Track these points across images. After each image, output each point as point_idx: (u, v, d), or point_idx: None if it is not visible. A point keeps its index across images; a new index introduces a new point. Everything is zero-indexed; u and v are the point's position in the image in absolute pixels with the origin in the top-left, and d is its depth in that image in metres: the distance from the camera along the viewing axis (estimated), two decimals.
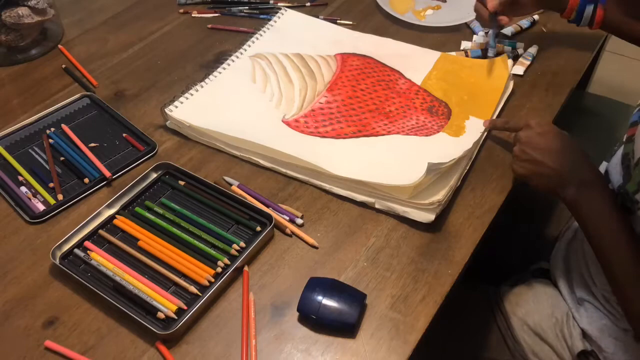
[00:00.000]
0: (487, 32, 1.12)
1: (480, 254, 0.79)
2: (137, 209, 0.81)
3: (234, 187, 0.84)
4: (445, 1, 1.21)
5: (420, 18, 1.16)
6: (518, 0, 0.98)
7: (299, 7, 1.19)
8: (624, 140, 0.78)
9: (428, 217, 0.78)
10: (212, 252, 0.76)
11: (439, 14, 1.18)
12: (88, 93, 0.99)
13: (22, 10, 1.04)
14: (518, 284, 0.95)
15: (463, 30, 1.14)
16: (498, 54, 1.04)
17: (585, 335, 0.85)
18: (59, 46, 1.10)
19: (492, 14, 0.99)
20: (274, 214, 0.79)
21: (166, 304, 0.70)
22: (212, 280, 0.73)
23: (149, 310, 0.70)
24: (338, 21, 1.15)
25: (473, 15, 1.10)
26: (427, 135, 0.90)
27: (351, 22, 1.15)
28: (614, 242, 0.73)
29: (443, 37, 1.11)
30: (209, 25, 1.15)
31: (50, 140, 0.91)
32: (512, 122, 0.86)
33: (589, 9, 0.96)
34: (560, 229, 0.99)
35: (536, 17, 1.16)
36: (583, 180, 0.76)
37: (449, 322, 0.86)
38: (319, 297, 0.69)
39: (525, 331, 0.89)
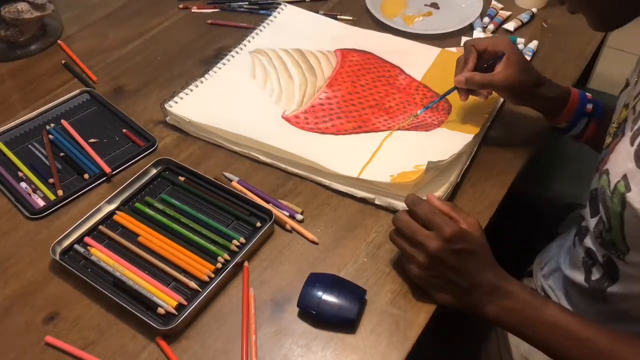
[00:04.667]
0: (486, 27, 1.12)
1: None
2: (137, 204, 0.81)
3: (234, 183, 0.84)
4: (438, 8, 1.18)
5: (409, 24, 1.14)
6: (496, 88, 0.86)
7: (298, 2, 1.18)
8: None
9: None
10: (212, 247, 0.76)
11: (429, 21, 1.15)
12: (88, 89, 0.99)
13: (22, 6, 1.03)
14: None
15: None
16: None
17: None
18: (59, 42, 1.10)
19: (454, 87, 0.87)
20: (274, 210, 0.79)
21: (166, 299, 0.70)
22: (212, 275, 0.73)
23: (149, 305, 0.70)
24: (338, 17, 1.15)
25: (464, 24, 1.10)
26: (427, 131, 0.90)
27: (351, 18, 1.14)
28: (558, 331, 0.67)
29: (442, 34, 1.11)
30: (209, 21, 1.15)
31: (50, 136, 0.91)
32: (422, 209, 0.70)
33: (583, 122, 0.87)
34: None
35: (534, 10, 1.16)
36: (494, 289, 0.68)
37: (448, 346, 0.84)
38: (319, 293, 0.69)
39: None
